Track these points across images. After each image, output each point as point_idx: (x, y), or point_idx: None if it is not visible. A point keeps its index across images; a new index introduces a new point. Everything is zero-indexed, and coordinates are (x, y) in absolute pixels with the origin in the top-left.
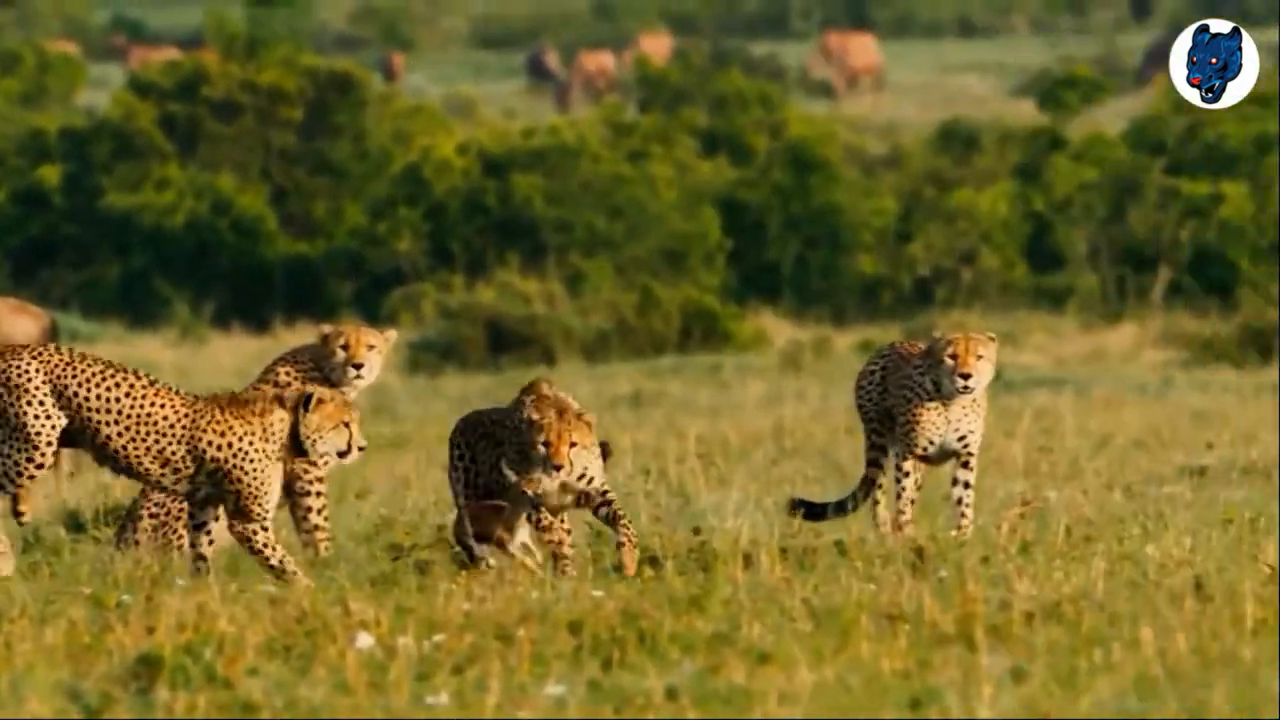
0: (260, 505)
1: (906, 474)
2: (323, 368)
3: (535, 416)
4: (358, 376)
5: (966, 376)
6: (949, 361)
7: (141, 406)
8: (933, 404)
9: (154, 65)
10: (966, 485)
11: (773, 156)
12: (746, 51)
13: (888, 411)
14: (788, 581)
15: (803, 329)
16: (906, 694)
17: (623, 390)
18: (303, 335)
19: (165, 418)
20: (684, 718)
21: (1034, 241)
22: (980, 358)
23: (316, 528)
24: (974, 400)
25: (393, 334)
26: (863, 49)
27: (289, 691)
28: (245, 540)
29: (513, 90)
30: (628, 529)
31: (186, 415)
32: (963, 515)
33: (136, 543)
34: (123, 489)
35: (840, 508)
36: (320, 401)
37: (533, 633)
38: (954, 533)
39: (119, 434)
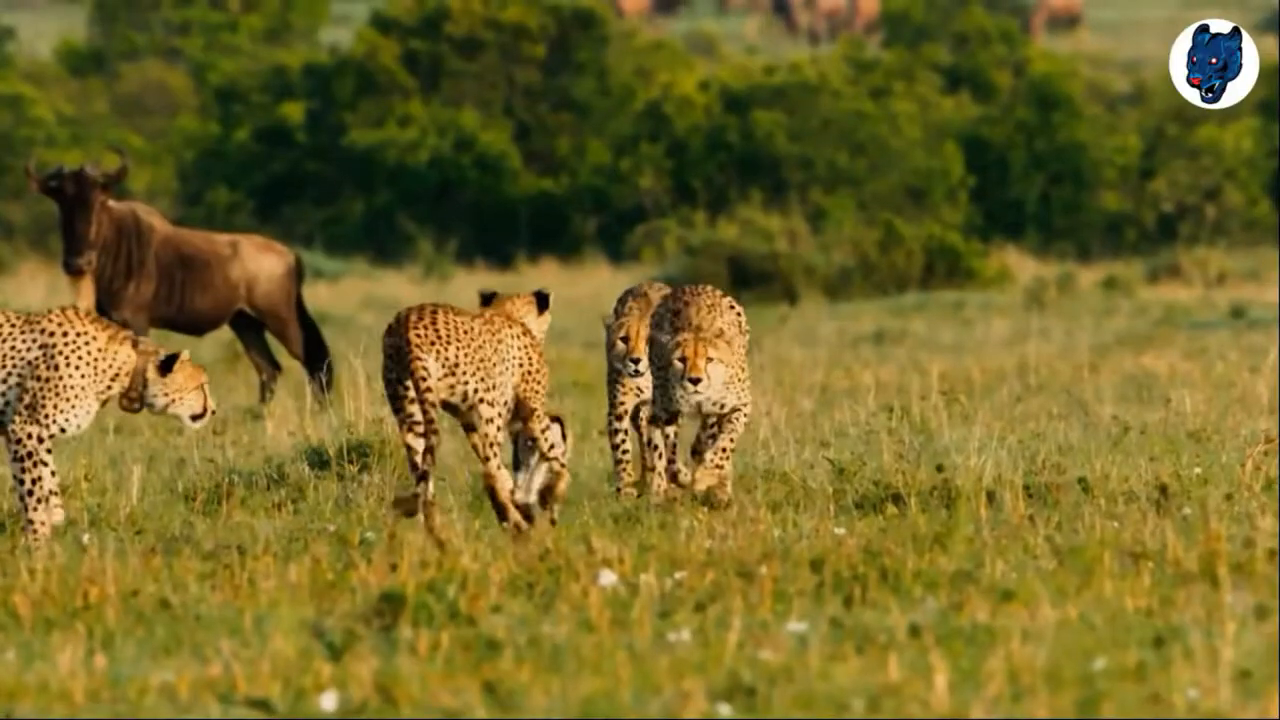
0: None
1: None
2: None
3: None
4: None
5: None
6: None
7: None
8: None
9: (397, 2)
10: None
11: (1016, 94)
12: None
13: None
14: (1031, 519)
15: (1046, 265)
16: (1150, 631)
17: (865, 328)
18: (546, 271)
19: None
20: (926, 655)
21: (1279, 178)
22: None
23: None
24: None
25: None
26: None
27: (532, 629)
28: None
29: (754, 27)
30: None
31: None
32: None
33: None
34: (365, 426)
35: None
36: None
37: (774, 570)
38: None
39: None
